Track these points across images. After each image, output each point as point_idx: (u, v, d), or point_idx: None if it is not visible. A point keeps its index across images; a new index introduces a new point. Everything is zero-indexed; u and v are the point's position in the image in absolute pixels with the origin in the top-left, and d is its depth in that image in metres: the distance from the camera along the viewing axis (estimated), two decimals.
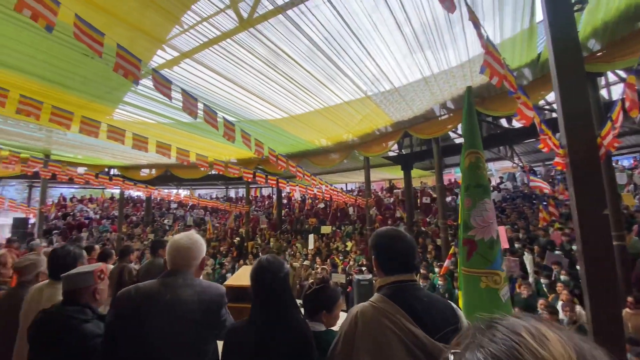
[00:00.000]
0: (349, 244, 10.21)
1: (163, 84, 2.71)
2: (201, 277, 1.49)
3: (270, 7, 3.97)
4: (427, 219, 10.98)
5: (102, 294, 1.47)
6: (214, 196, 21.41)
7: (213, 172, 7.48)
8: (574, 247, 6.46)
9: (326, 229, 11.60)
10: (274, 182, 7.34)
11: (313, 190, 8.31)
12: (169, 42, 4.60)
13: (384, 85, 5.93)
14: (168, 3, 3.81)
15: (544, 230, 7.36)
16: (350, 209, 13.55)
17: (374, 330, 1.11)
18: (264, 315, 1.30)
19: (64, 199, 18.01)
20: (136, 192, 14.08)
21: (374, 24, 4.29)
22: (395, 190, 15.16)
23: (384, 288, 1.23)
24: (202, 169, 6.37)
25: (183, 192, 19.22)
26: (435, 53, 4.92)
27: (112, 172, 12.70)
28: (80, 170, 8.99)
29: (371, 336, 1.11)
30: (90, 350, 1.24)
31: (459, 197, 2.35)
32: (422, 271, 6.66)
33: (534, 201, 10.38)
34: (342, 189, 16.94)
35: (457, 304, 2.09)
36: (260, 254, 10.77)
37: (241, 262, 10.19)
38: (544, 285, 5.39)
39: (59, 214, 15.77)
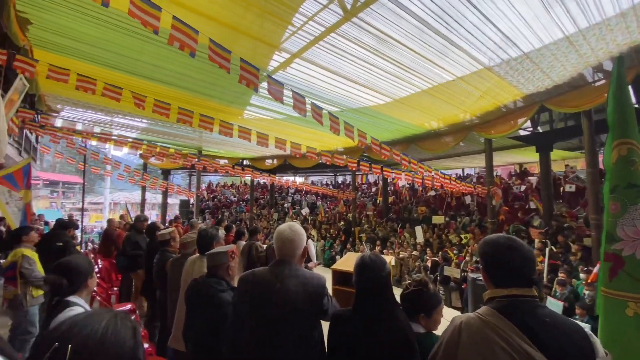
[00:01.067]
0: (467, 236, 9.31)
1: (276, 87, 3.03)
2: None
3: None
4: (576, 212, 8.92)
5: (234, 270, 1.84)
6: (324, 182, 22.80)
7: (322, 161, 7.98)
8: None
9: (438, 219, 10.84)
10: (378, 170, 7.28)
11: (420, 178, 7.87)
12: (282, 46, 5.06)
13: (509, 53, 5.02)
14: (279, 10, 4.17)
15: None
16: (468, 198, 12.20)
17: (480, 345, 1.00)
18: (367, 311, 1.37)
19: (212, 185, 22.46)
20: (262, 179, 16.35)
21: None
22: (529, 177, 12.78)
23: (495, 301, 1.08)
24: (310, 158, 6.89)
25: (299, 179, 21.20)
26: (583, 3, 3.85)
27: (244, 162, 15.06)
28: (222, 162, 11.00)
29: (477, 351, 1.01)
30: (226, 314, 1.58)
31: (604, 195, 1.79)
32: (560, 275, 5.54)
33: None
34: (455, 175, 15.45)
35: None
36: (364, 240, 11.00)
37: (348, 246, 10.63)
38: None
39: (211, 196, 19.80)
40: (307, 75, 5.75)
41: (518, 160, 14.09)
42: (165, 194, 15.40)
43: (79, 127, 8.86)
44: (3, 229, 6.41)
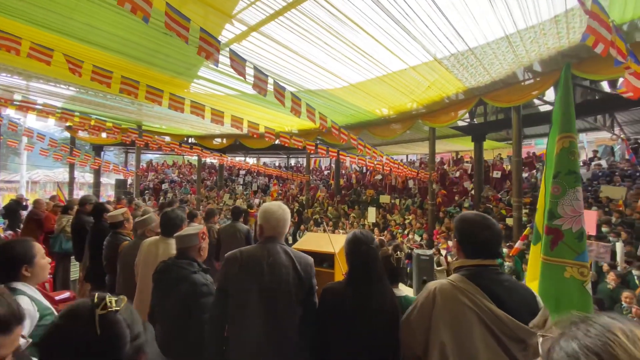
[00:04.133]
0: (410, 217, 10.07)
1: (238, 63, 2.89)
2: None
3: None
4: (499, 196, 10.15)
5: (204, 251, 1.80)
6: (276, 164, 22.55)
7: (277, 142, 7.83)
8: None
9: (385, 198, 11.55)
10: (335, 154, 7.44)
11: (373, 163, 8.23)
12: (237, 17, 4.76)
13: (457, 46, 5.38)
14: None
15: None
16: (410, 182, 13.13)
17: (452, 306, 1.19)
18: (361, 280, 1.49)
19: (151, 163, 20.74)
20: (210, 159, 15.58)
21: None
22: (465, 163, 14.10)
23: (463, 269, 1.27)
24: (267, 139, 6.74)
25: (250, 160, 20.64)
26: (523, 5, 4.26)
27: (190, 140, 14.12)
28: (167, 139, 10.19)
29: (449, 312, 1.19)
30: (198, 295, 1.57)
31: (542, 178, 2.19)
32: None
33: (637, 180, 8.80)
34: (402, 160, 16.39)
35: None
36: (319, 220, 11.31)
37: (302, 227, 10.81)
38: (635, 277, 4.75)
39: (153, 176, 18.31)
40: (263, 50, 5.52)
41: (455, 148, 15.45)
42: (97, 173, 13.87)
43: None
44: None
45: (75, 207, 4.34)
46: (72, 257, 4.20)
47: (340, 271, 3.25)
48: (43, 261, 1.38)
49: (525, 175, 10.94)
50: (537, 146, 17.79)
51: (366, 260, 1.50)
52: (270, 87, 3.36)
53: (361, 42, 5.27)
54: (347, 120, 9.78)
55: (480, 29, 4.82)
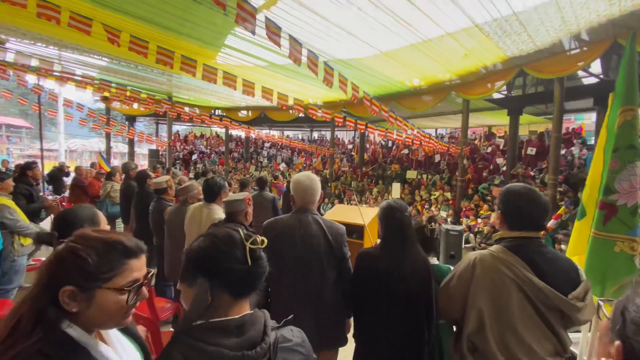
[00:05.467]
0: (436, 193, 9.90)
1: (274, 31, 2.84)
2: None
3: None
4: (531, 173, 9.70)
5: (250, 215, 1.93)
6: (299, 138, 22.56)
7: (301, 115, 7.71)
8: None
9: (412, 174, 11.36)
10: (363, 126, 7.29)
11: (402, 136, 8.03)
12: None
13: (500, 9, 4.95)
14: None
15: None
16: (437, 157, 12.75)
17: (492, 275, 1.21)
18: (394, 244, 1.57)
19: (178, 135, 21.35)
20: (236, 131, 15.79)
21: None
22: (497, 138, 13.41)
23: (505, 240, 1.28)
24: (295, 111, 6.66)
25: (274, 133, 20.75)
26: None
27: (217, 112, 14.30)
28: (197, 111, 10.37)
29: (490, 280, 1.21)
30: None
31: (600, 153, 2.10)
32: None
33: None
34: (430, 134, 15.87)
35: None
36: (342, 194, 11.40)
37: (326, 200, 10.94)
38: None
39: (183, 147, 18.95)
40: (294, 17, 5.32)
41: (487, 123, 14.69)
42: (131, 143, 14.50)
43: (25, 61, 7.77)
44: None
45: (118, 174, 4.65)
46: (117, 220, 4.55)
47: (370, 242, 3.31)
48: (107, 228, 1.41)
49: (562, 152, 10.33)
50: (577, 121, 16.58)
51: (400, 226, 1.58)
52: (304, 59, 3.30)
53: (395, 5, 4.95)
54: (375, 91, 9.44)
55: None
